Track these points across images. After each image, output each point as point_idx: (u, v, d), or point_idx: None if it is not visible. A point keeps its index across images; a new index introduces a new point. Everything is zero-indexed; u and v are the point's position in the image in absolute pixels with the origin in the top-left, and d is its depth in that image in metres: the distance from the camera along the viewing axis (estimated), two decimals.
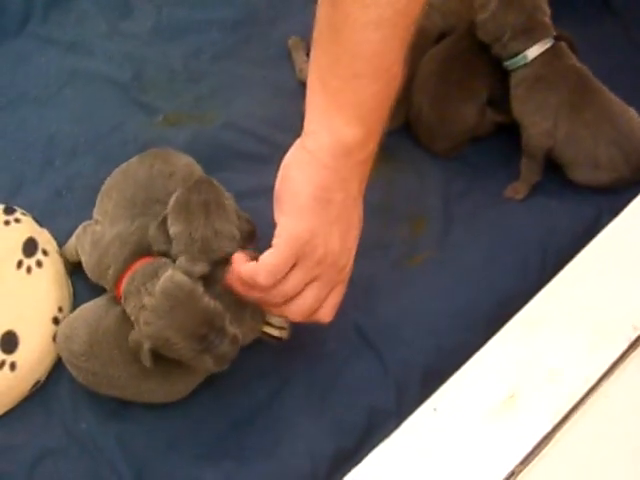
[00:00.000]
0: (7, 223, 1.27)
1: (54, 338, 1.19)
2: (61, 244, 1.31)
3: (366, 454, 1.03)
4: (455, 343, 1.23)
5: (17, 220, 1.28)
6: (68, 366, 1.17)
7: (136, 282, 1.11)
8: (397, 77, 1.00)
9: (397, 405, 1.20)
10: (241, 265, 1.05)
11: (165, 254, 1.15)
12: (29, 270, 1.23)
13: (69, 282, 1.28)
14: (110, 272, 1.16)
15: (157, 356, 1.08)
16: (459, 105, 1.46)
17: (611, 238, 1.23)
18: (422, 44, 1.50)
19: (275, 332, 1.21)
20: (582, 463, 1.05)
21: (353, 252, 1.08)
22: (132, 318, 1.10)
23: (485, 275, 1.33)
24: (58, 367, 1.21)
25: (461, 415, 1.07)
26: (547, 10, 1.40)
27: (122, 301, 1.13)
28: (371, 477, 1.01)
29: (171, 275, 1.08)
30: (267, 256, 1.02)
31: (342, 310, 1.26)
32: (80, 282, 1.29)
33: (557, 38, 1.44)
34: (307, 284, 1.05)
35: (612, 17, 1.70)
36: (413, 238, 1.39)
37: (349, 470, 1.01)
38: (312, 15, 1.60)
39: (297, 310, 1.08)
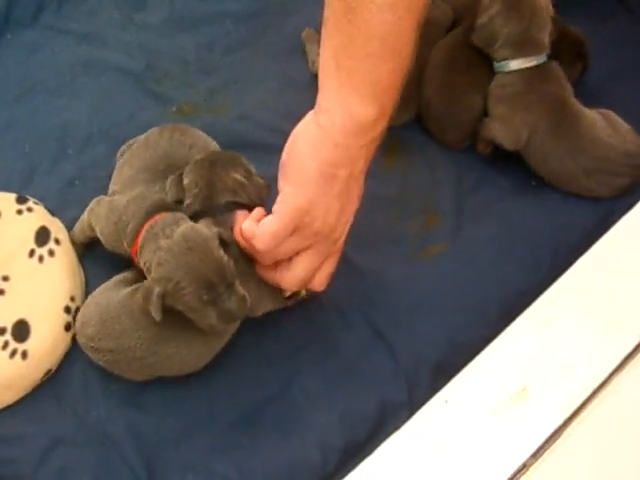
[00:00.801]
0: (20, 212, 1.28)
1: (66, 327, 1.19)
2: None
3: (377, 446, 1.03)
4: (466, 337, 1.24)
5: (29, 209, 1.28)
6: (87, 352, 1.17)
7: (155, 229, 1.13)
8: (409, 58, 1.02)
9: (409, 397, 1.20)
10: (242, 222, 1.10)
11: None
12: (41, 259, 1.23)
13: (81, 271, 1.28)
14: (129, 228, 1.17)
15: (168, 312, 1.09)
16: (465, 94, 1.46)
17: (623, 234, 1.22)
18: (433, 36, 1.50)
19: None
20: (593, 457, 1.04)
21: (348, 225, 1.11)
22: (145, 268, 1.11)
23: (497, 269, 1.33)
24: (70, 356, 1.21)
25: (472, 408, 1.07)
26: (547, 27, 1.40)
27: (137, 256, 1.14)
28: (382, 469, 1.01)
29: (192, 224, 1.12)
30: (267, 222, 1.06)
31: (354, 302, 1.29)
32: (92, 270, 1.29)
33: (565, 36, 1.46)
34: (300, 252, 1.09)
35: (627, 14, 1.70)
36: (426, 232, 1.39)
37: (360, 462, 1.02)
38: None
39: (291, 279, 1.12)
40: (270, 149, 1.39)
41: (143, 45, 1.60)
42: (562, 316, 1.15)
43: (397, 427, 1.08)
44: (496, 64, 1.42)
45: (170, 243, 1.08)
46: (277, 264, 1.12)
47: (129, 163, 1.29)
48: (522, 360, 1.10)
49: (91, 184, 1.39)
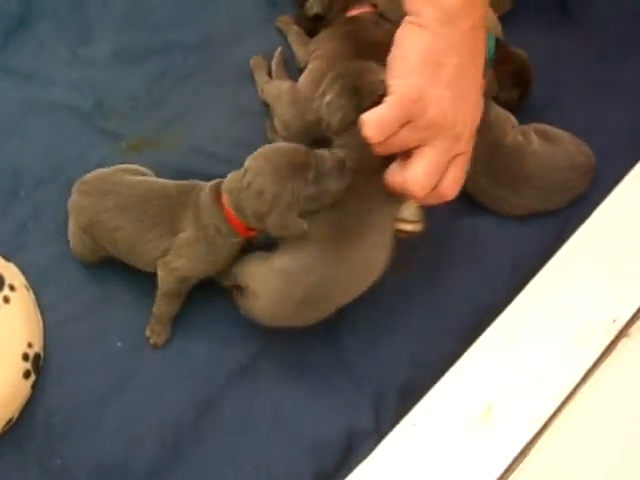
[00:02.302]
0: None
1: (25, 374, 1.17)
2: (30, 278, 1.30)
3: (346, 475, 1.03)
4: (430, 357, 1.24)
5: None
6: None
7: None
8: None
9: (376, 422, 1.19)
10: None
11: None
12: None
13: (39, 315, 1.26)
14: None
15: None
16: None
17: (580, 244, 1.24)
18: (377, 58, 1.50)
19: (408, 227, 1.23)
20: (564, 470, 1.05)
21: (471, 124, 1.11)
22: None
23: (457, 287, 1.33)
24: (30, 404, 1.19)
25: (441, 429, 1.07)
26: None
27: None
28: None
29: None
30: (375, 109, 1.07)
31: (319, 323, 1.28)
32: (49, 313, 1.28)
33: (508, 60, 1.47)
34: (421, 147, 1.07)
35: (571, 23, 1.71)
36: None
37: None
38: (273, 33, 1.64)
39: (415, 178, 1.09)
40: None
41: (90, 81, 1.58)
42: (525, 330, 1.16)
43: (366, 454, 1.08)
44: None
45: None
46: (403, 167, 1.10)
47: None
48: (487, 378, 1.11)
49: (45, 225, 1.38)
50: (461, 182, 1.13)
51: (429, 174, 1.08)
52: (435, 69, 1.05)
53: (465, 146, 1.11)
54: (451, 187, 1.12)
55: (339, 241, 1.16)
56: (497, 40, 1.50)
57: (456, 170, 1.11)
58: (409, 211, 1.21)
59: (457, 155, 1.10)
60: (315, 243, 1.16)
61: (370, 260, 1.19)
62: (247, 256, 1.23)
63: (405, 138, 1.06)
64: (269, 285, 1.18)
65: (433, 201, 1.14)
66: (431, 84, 1.04)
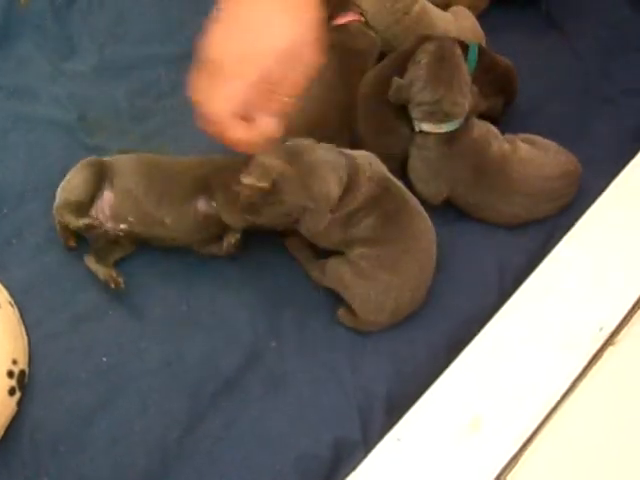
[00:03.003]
0: None
1: (10, 392, 1.16)
2: (14, 294, 1.29)
3: None
4: (416, 367, 1.24)
5: None
6: None
7: None
8: None
9: (363, 434, 1.19)
10: None
11: None
12: None
13: (23, 331, 1.26)
14: None
15: None
16: (395, 126, 1.45)
17: (565, 254, 1.24)
18: (360, 66, 1.52)
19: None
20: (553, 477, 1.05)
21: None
22: None
23: (443, 297, 1.32)
24: (16, 421, 1.18)
25: (426, 443, 1.06)
26: (460, 101, 1.37)
27: None
28: None
29: None
30: None
31: (304, 338, 1.28)
32: (34, 329, 1.27)
33: (493, 69, 1.49)
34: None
35: (554, 33, 1.73)
36: None
37: None
38: None
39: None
40: None
41: (74, 95, 1.58)
42: (511, 340, 1.15)
43: (353, 467, 1.08)
44: (413, 120, 1.42)
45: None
46: None
47: None
48: (473, 389, 1.10)
49: (29, 242, 1.38)
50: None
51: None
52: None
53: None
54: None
55: (423, 250, 1.28)
56: (480, 49, 1.51)
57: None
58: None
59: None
60: (415, 257, 1.25)
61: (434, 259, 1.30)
62: (337, 261, 1.28)
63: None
64: (369, 299, 1.25)
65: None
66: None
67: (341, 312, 1.29)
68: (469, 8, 1.68)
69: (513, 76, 1.52)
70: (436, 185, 1.40)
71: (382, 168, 1.32)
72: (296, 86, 1.01)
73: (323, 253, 1.32)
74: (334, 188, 1.22)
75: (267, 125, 1.02)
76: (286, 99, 1.01)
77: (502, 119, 1.52)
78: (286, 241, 1.35)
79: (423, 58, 1.39)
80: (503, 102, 1.51)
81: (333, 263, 1.28)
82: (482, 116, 1.45)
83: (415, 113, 1.40)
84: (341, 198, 1.24)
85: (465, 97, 1.38)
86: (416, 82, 1.38)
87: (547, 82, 1.62)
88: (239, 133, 1.02)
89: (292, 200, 1.21)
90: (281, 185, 1.19)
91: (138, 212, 1.31)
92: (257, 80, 0.98)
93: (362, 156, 1.31)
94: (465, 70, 1.40)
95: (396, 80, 1.40)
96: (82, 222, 1.28)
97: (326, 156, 1.24)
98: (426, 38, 1.50)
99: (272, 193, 1.19)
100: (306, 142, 1.25)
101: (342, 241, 1.28)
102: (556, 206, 1.42)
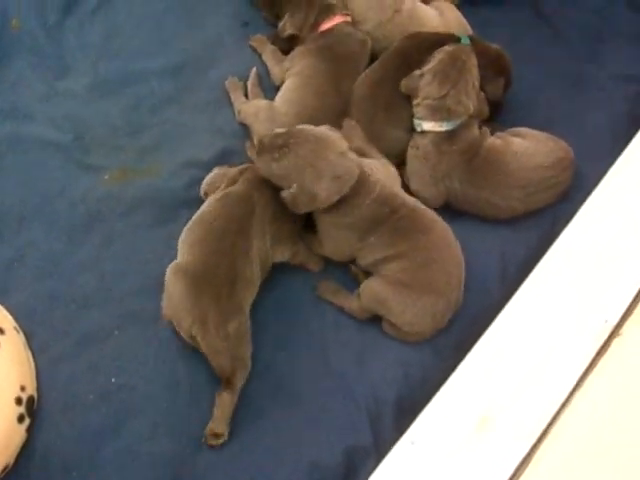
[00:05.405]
0: None
1: (19, 419, 1.16)
2: (19, 319, 1.29)
3: None
4: (424, 371, 1.24)
5: None
6: None
7: None
8: None
9: (374, 440, 1.19)
10: None
11: None
12: None
13: (30, 357, 1.25)
14: None
15: None
16: (388, 129, 1.46)
17: (564, 248, 1.23)
18: (351, 70, 1.53)
19: None
20: (565, 474, 1.04)
21: None
22: None
23: None
24: (26, 449, 1.18)
25: (440, 445, 1.06)
26: (464, 100, 1.39)
27: None
28: None
29: None
30: None
31: (313, 347, 1.28)
32: (41, 354, 1.27)
33: (484, 54, 1.48)
34: None
35: (543, 22, 1.72)
36: None
37: None
38: (247, 54, 1.63)
39: None
40: None
41: (69, 115, 1.58)
42: (517, 338, 1.15)
43: (367, 474, 1.07)
44: (414, 120, 1.43)
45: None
46: None
47: None
48: (481, 388, 1.10)
49: (31, 264, 1.37)
50: None
51: None
52: None
53: None
54: None
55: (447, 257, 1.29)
56: (471, 38, 1.52)
57: None
58: None
59: None
60: (441, 265, 1.26)
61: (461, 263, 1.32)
62: (369, 282, 1.29)
63: None
64: (406, 313, 1.26)
65: None
66: None
67: (385, 325, 1.29)
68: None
69: (505, 57, 1.52)
70: (435, 186, 1.40)
71: (392, 181, 1.35)
72: None
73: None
74: (322, 192, 1.25)
75: None
76: None
77: (504, 101, 1.53)
78: (316, 290, 1.36)
79: (439, 55, 1.41)
80: (503, 83, 1.52)
81: (365, 286, 1.29)
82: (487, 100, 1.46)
83: (419, 110, 1.41)
84: (342, 204, 1.27)
85: (469, 98, 1.39)
86: (427, 74, 1.40)
87: (538, 73, 1.61)
88: None
89: (285, 171, 1.26)
90: (292, 147, 1.25)
91: None
92: None
93: (376, 168, 1.34)
94: (475, 76, 1.42)
95: (414, 73, 1.42)
96: None
97: (336, 160, 1.26)
98: (414, 36, 1.52)
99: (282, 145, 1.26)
100: (336, 137, 1.29)
101: (361, 253, 1.30)
102: (553, 194, 1.41)
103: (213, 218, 1.28)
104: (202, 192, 1.38)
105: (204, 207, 1.31)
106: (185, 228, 1.29)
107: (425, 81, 1.40)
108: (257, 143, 1.30)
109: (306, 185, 1.25)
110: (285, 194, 1.26)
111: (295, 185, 1.25)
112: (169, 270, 1.25)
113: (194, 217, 1.30)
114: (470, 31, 1.60)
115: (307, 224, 1.35)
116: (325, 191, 1.25)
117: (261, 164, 1.28)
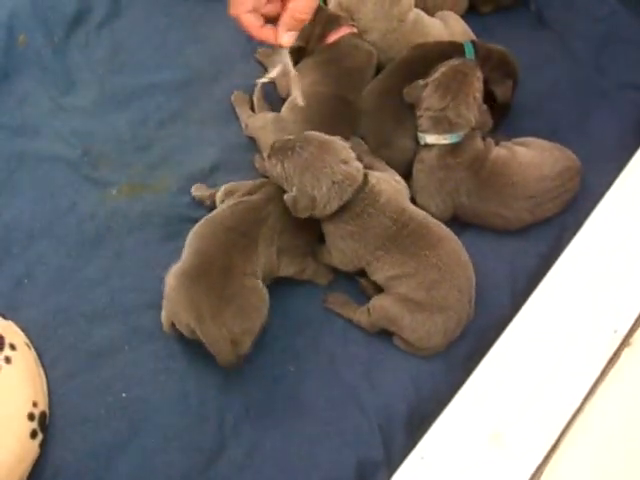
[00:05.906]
0: None
1: (32, 434, 1.17)
2: (29, 335, 1.29)
3: None
4: (434, 383, 1.24)
5: None
6: None
7: None
8: None
9: (385, 454, 1.19)
10: None
11: None
12: None
13: (42, 372, 1.26)
14: None
15: None
16: (396, 138, 1.47)
17: (572, 258, 1.23)
18: (358, 82, 1.54)
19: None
20: None
21: None
22: None
23: None
24: (39, 464, 1.18)
25: (449, 460, 1.06)
26: (464, 113, 1.39)
27: None
28: None
29: None
30: None
31: (322, 360, 1.28)
32: (52, 369, 1.27)
33: (490, 57, 1.49)
34: None
35: (546, 31, 1.73)
36: None
37: None
38: (253, 67, 1.64)
39: None
40: None
41: (76, 130, 1.58)
42: (526, 350, 1.14)
43: None
44: (418, 134, 1.43)
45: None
46: None
47: None
48: (491, 402, 1.09)
49: (41, 280, 1.38)
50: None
51: None
52: None
53: None
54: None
55: (457, 272, 1.29)
56: (474, 43, 1.53)
57: None
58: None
59: None
60: (451, 281, 1.26)
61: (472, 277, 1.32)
62: (379, 298, 1.30)
63: None
64: (417, 329, 1.26)
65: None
66: None
67: (396, 339, 1.30)
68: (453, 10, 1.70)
69: (509, 57, 1.53)
70: (442, 200, 1.40)
71: (400, 195, 1.35)
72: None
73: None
74: (321, 196, 1.26)
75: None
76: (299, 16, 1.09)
77: (512, 102, 1.53)
78: (325, 302, 1.36)
79: (442, 67, 1.42)
80: (512, 84, 1.52)
81: (376, 304, 1.29)
82: (495, 101, 1.48)
83: (422, 122, 1.41)
84: (345, 212, 1.28)
85: (470, 111, 1.39)
86: (430, 85, 1.41)
87: (543, 81, 1.62)
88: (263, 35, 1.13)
89: (287, 173, 1.27)
90: (296, 150, 1.26)
91: None
92: None
93: (384, 180, 1.34)
94: (478, 89, 1.42)
95: (418, 82, 1.43)
96: None
97: (336, 166, 1.27)
98: (421, 46, 1.53)
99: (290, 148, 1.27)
100: (342, 146, 1.30)
101: (370, 268, 1.31)
102: (560, 204, 1.42)
103: (222, 219, 1.29)
104: (219, 200, 1.38)
105: (215, 210, 1.33)
106: (191, 230, 1.30)
107: (427, 92, 1.40)
108: (269, 147, 1.32)
109: (305, 188, 1.26)
110: (287, 197, 1.27)
111: (295, 188, 1.26)
112: (169, 272, 1.26)
113: (203, 219, 1.31)
114: (472, 35, 1.61)
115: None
116: (324, 196, 1.26)
117: (269, 167, 1.30)
